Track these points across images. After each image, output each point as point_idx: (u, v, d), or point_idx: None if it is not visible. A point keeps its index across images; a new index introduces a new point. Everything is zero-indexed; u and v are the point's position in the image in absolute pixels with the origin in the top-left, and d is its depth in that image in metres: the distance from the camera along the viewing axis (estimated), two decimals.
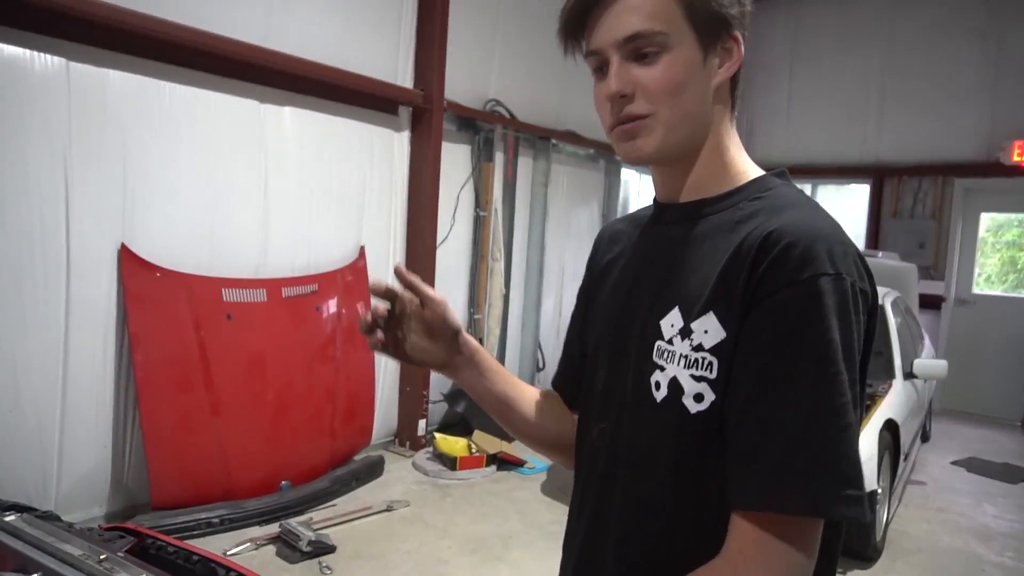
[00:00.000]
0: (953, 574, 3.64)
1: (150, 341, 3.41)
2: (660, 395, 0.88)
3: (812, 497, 0.74)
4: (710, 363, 0.83)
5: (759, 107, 8.13)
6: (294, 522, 3.45)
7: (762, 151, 8.08)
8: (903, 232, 7.43)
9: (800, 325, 0.77)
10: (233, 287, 3.77)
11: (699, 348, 0.84)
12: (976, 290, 7.35)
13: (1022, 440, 6.31)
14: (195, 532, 3.32)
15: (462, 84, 5.13)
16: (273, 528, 3.47)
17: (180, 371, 3.49)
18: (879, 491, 3.49)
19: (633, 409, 0.93)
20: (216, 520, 3.42)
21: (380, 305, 1.08)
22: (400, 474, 4.49)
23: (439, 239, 5.04)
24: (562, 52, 0.95)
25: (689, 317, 0.86)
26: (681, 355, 0.86)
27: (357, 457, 4.46)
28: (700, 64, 0.89)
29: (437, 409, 5.19)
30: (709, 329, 0.84)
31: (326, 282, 4.26)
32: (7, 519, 1.20)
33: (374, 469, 4.37)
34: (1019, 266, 7.34)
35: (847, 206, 8.11)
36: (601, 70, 0.91)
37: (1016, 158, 6.64)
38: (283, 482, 3.83)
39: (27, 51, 3.02)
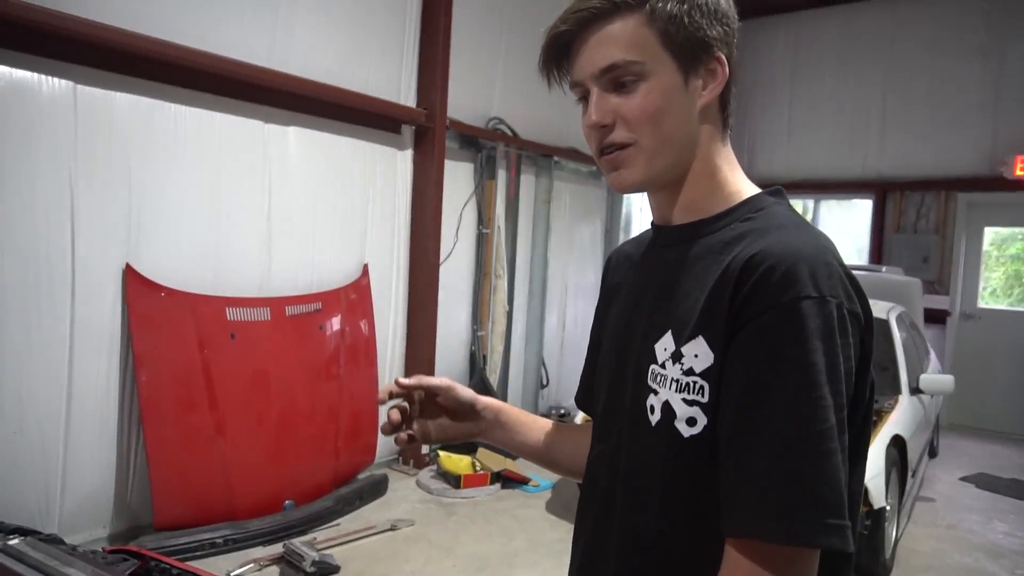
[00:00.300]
0: None
1: (154, 361, 3.42)
2: (655, 418, 0.88)
3: (791, 525, 0.73)
4: (701, 387, 0.83)
5: (761, 123, 8.16)
6: (298, 542, 3.43)
7: (764, 167, 8.11)
8: (907, 247, 7.42)
9: (781, 349, 0.76)
10: (237, 306, 3.78)
11: (690, 372, 0.84)
12: (981, 304, 7.32)
13: None
14: (198, 553, 3.31)
15: (464, 102, 5.16)
16: (277, 548, 3.45)
17: (184, 391, 3.49)
18: (887, 508, 3.46)
19: (630, 432, 0.93)
20: (220, 541, 3.40)
21: (393, 412, 1.10)
22: (404, 493, 4.46)
23: (442, 257, 5.05)
24: (546, 85, 0.97)
25: (680, 341, 0.86)
26: (673, 379, 0.86)
27: (361, 476, 4.44)
28: (681, 88, 0.88)
29: None
30: (699, 353, 0.84)
31: (329, 300, 4.26)
32: (11, 543, 1.20)
33: (378, 488, 4.35)
34: None
35: (850, 221, 8.12)
36: (585, 100, 0.92)
37: (1019, 172, 6.64)
38: (287, 501, 3.81)
39: (35, 75, 3.06)
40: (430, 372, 4.95)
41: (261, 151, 3.98)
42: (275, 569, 3.33)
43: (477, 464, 4.67)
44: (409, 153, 4.91)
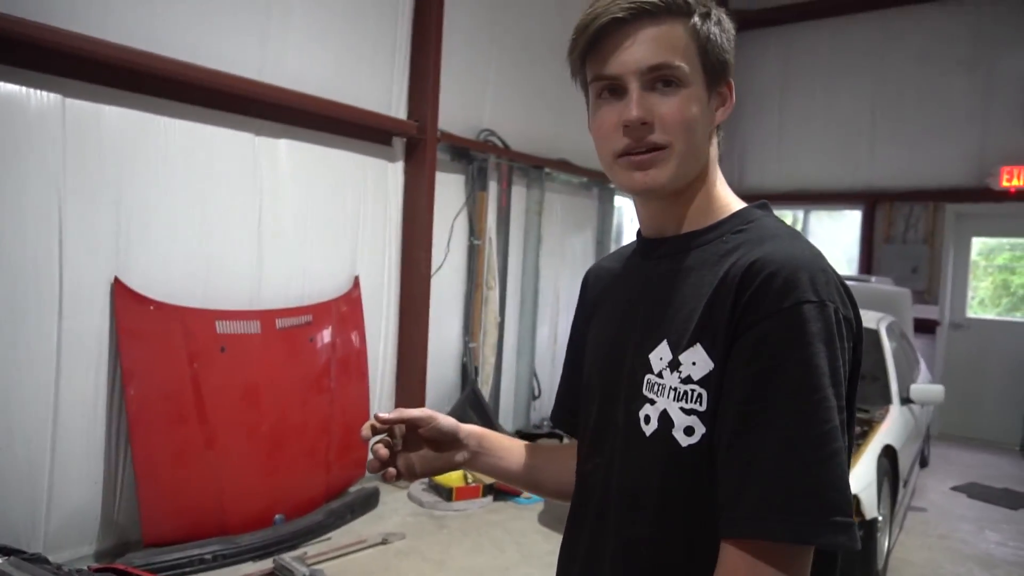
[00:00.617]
0: None
1: (143, 375, 3.39)
2: (649, 429, 0.88)
3: (799, 524, 0.74)
4: (699, 395, 0.84)
5: (751, 135, 8.21)
6: (288, 557, 3.40)
7: (755, 178, 8.16)
8: (896, 257, 7.47)
9: (785, 352, 0.77)
10: (227, 319, 3.76)
11: (688, 380, 0.85)
12: (970, 314, 7.37)
13: (1021, 464, 6.27)
14: (187, 570, 3.27)
15: (456, 114, 5.17)
16: (267, 564, 3.42)
17: (173, 405, 3.46)
18: (880, 518, 3.45)
19: (624, 444, 0.93)
20: (209, 556, 3.36)
21: (380, 448, 1.10)
22: (395, 506, 4.43)
23: (434, 268, 5.05)
24: (571, 73, 0.95)
25: (677, 350, 0.87)
26: (671, 388, 0.87)
27: (352, 489, 4.41)
28: (706, 104, 0.91)
29: None
30: (697, 361, 0.85)
31: (320, 313, 4.25)
32: None
33: (369, 501, 4.32)
34: (1012, 289, 7.37)
35: (840, 232, 8.17)
36: (612, 93, 0.90)
37: (1005, 183, 6.72)
38: (277, 516, 3.78)
39: (23, 88, 3.04)
40: (422, 384, 4.94)
41: (252, 163, 3.98)
42: None
43: (469, 477, 4.65)
44: (400, 165, 4.91)
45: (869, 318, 4.59)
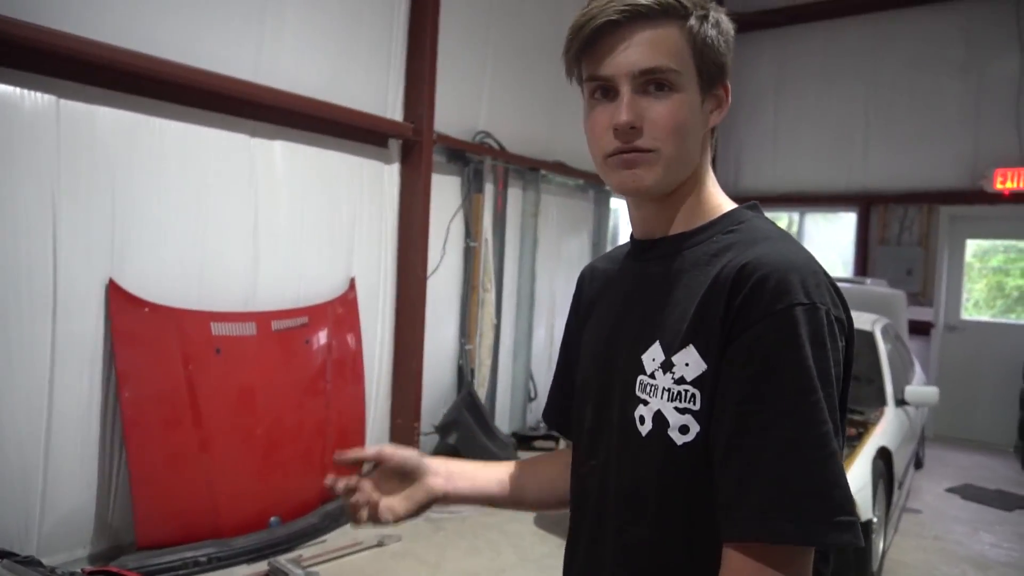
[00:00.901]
0: None
1: (137, 377, 3.38)
2: (645, 429, 0.89)
3: (804, 525, 0.74)
4: (693, 395, 0.84)
5: (746, 138, 8.24)
6: (283, 559, 3.38)
7: (750, 181, 8.18)
8: (891, 259, 7.49)
9: (778, 356, 0.78)
10: (222, 321, 3.75)
11: (681, 381, 0.85)
12: (965, 316, 7.40)
13: (1015, 466, 6.29)
14: (181, 572, 3.25)
15: (451, 116, 5.17)
16: (262, 566, 3.41)
17: (168, 407, 3.45)
18: (875, 520, 3.46)
19: (620, 444, 0.93)
20: (203, 559, 3.35)
21: (358, 510, 1.09)
22: None
23: (429, 270, 5.04)
24: (566, 72, 0.95)
25: (670, 351, 0.87)
26: (664, 388, 0.87)
27: None
28: (699, 108, 0.91)
29: (429, 441, 5.14)
30: (690, 362, 0.85)
31: (316, 315, 4.24)
32: None
33: None
34: (1006, 291, 7.40)
35: (835, 234, 8.19)
36: (604, 94, 0.90)
37: (999, 186, 6.75)
38: (272, 518, 3.77)
39: (17, 89, 3.03)
40: (418, 386, 4.94)
41: (247, 165, 3.97)
42: None
43: None
44: (396, 167, 4.91)
45: (864, 320, 4.60)
